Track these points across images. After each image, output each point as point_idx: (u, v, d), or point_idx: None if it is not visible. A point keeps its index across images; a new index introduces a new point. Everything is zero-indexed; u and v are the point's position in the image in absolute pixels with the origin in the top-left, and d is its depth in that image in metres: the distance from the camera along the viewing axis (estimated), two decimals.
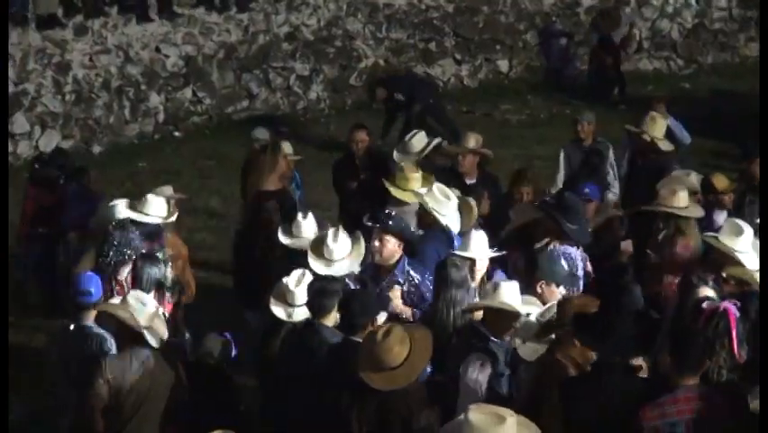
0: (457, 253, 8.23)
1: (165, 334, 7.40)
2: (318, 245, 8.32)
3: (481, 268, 8.26)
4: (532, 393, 6.73)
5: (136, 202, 9.41)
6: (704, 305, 6.99)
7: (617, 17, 18.15)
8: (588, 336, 6.60)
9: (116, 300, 7.83)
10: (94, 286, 7.85)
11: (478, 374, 6.99)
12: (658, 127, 10.97)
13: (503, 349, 7.11)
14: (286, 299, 7.78)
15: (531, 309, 7.37)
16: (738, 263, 8.10)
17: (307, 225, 8.86)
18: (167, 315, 8.00)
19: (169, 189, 10.02)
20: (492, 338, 7.07)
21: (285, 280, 7.82)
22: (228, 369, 7.68)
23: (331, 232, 8.36)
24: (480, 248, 8.27)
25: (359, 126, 11.65)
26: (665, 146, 10.98)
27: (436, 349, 6.70)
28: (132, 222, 9.01)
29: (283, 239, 8.85)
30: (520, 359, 7.12)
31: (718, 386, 6.40)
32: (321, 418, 6.70)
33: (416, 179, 9.47)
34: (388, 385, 6.37)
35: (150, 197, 9.47)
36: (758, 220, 9.05)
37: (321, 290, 7.47)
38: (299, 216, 8.93)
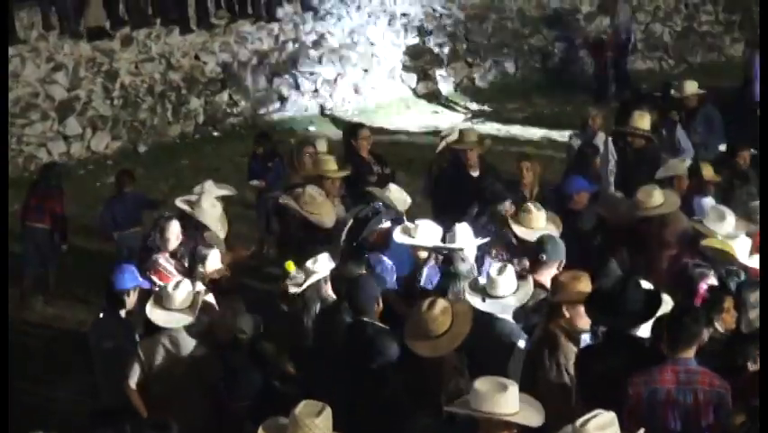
0: (444, 244, 8.26)
1: (203, 317, 7.58)
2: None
3: (470, 256, 8.21)
4: (529, 363, 6.85)
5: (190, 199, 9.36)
6: (704, 286, 7.41)
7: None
8: (597, 310, 6.55)
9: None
10: (127, 278, 7.88)
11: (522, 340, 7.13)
12: (643, 121, 10.98)
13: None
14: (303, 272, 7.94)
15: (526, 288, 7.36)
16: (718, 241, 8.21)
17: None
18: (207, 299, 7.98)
19: (212, 186, 9.85)
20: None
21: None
22: (260, 346, 7.52)
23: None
24: (465, 238, 8.25)
25: (361, 126, 11.72)
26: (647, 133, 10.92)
27: None
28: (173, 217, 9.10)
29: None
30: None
31: (712, 359, 6.38)
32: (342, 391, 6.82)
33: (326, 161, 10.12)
34: (431, 352, 6.42)
35: (199, 193, 9.45)
36: (752, 203, 9.12)
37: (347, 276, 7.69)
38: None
